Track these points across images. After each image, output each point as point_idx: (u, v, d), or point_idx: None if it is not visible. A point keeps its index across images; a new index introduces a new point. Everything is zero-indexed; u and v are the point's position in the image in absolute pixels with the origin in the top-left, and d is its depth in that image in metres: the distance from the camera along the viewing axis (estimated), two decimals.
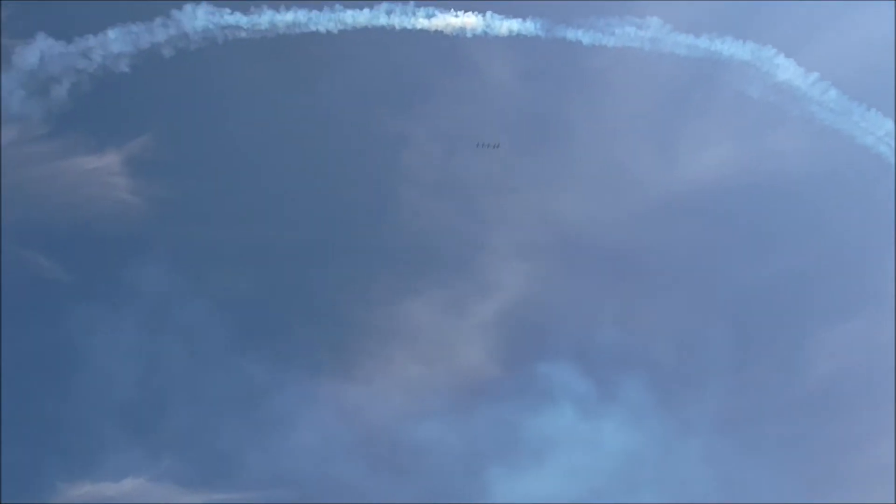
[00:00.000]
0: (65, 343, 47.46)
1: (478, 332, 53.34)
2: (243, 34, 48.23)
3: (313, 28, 48.97)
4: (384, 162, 54.23)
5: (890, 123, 53.21)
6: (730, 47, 52.89)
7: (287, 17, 48.49)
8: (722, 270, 55.77)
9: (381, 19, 49.49)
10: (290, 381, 49.06)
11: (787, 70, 53.12)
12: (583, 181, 56.34)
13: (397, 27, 49.80)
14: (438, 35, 50.55)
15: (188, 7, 47.32)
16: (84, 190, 49.53)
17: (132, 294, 48.86)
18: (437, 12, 50.30)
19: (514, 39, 51.46)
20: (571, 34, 51.55)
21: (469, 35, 50.81)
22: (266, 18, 48.29)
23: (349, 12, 49.15)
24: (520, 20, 51.16)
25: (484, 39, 51.31)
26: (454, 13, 50.56)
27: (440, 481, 49.95)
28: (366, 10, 49.29)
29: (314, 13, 48.87)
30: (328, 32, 49.19)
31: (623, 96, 55.88)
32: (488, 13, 50.77)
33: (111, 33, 46.84)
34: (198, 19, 47.42)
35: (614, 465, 51.57)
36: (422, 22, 50.09)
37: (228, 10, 47.89)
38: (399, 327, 52.68)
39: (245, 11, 48.19)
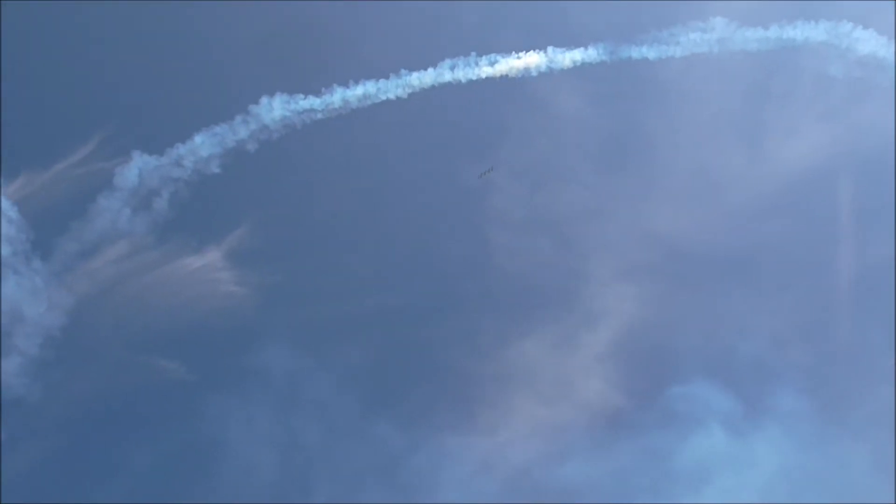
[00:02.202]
0: (202, 439, 50.69)
1: (596, 364, 54.07)
2: (319, 115, 51.55)
3: (383, 97, 51.86)
4: (472, 210, 56.37)
5: None
6: (802, 31, 52.76)
7: (357, 92, 51.56)
8: (838, 258, 55.05)
9: (447, 76, 51.97)
10: (422, 441, 50.76)
11: (867, 42, 52.56)
12: (675, 193, 57.00)
13: (463, 80, 52.20)
14: (504, 80, 52.69)
15: (264, 100, 51.03)
16: (193, 289, 52.96)
17: (258, 380, 51.80)
18: (499, 58, 52.42)
19: (580, 68, 53.04)
20: (636, 52, 52.67)
21: (534, 74, 52.70)
22: (338, 97, 51.48)
23: (415, 75, 51.84)
24: (582, 49, 52.60)
25: (549, 74, 53.08)
26: (516, 55, 52.54)
27: None
28: (430, 70, 51.89)
29: (382, 82, 51.80)
30: (398, 98, 52.05)
31: (700, 102, 56.59)
32: (549, 48, 52.51)
33: (198, 139, 50.85)
34: (275, 110, 51.03)
35: (778, 482, 50.02)
36: (486, 70, 52.29)
37: (302, 96, 51.32)
38: (515, 372, 53.98)
39: (317, 94, 51.55)
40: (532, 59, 52.50)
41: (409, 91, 51.90)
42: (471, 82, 52.34)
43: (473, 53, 52.12)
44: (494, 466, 50.93)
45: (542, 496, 50.02)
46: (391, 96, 51.86)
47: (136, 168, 49.95)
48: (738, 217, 55.75)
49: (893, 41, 51.43)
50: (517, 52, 52.47)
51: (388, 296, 54.15)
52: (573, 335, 54.46)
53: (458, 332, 53.96)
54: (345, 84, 51.53)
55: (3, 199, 48.08)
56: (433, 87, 52.10)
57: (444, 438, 51.08)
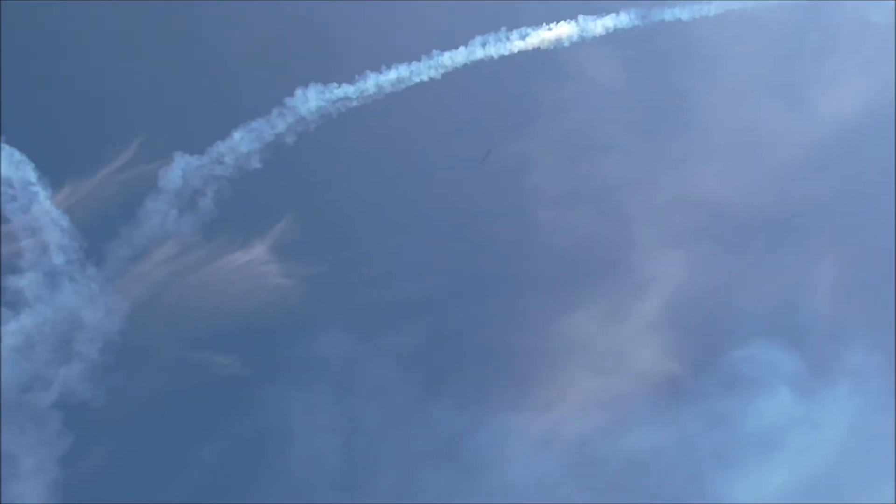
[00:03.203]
0: (264, 430, 51.95)
1: (649, 332, 54.32)
2: (354, 103, 52.22)
3: (417, 80, 52.32)
4: (513, 187, 56.70)
5: None
6: None
7: (390, 76, 52.08)
8: (892, 208, 54.60)
9: (479, 53, 52.25)
10: (481, 420, 51.50)
11: None
12: (717, 154, 56.94)
13: (495, 56, 52.46)
14: (537, 52, 52.84)
15: (299, 92, 51.76)
16: (240, 284, 53.92)
17: (314, 369, 52.75)
18: (529, 31, 52.55)
19: (613, 34, 52.96)
20: (668, 14, 52.45)
21: (566, 44, 52.76)
22: (371, 83, 52.04)
23: (447, 55, 52.18)
24: (613, 15, 52.50)
25: (582, 43, 53.10)
26: (546, 27, 52.61)
27: (668, 490, 50.33)
28: (462, 49, 52.22)
29: (414, 65, 52.23)
30: (431, 80, 52.48)
31: (737, 60, 56.29)
32: (580, 17, 52.48)
33: (236, 135, 51.80)
34: (310, 101, 51.75)
35: (851, 442, 49.49)
36: (518, 45, 52.48)
37: (336, 84, 51.98)
38: (567, 345, 54.34)
39: (350, 81, 52.17)
40: (563, 30, 52.51)
41: (442, 71, 52.28)
42: (503, 58, 52.58)
43: (504, 28, 52.32)
44: (557, 440, 51.67)
45: (607, 468, 50.66)
46: (424, 78, 52.29)
47: (178, 169, 51.08)
48: (784, 174, 55.61)
49: None
50: (547, 23, 52.51)
51: (436, 277, 54.94)
52: (624, 305, 54.87)
53: (508, 310, 54.66)
54: (377, 69, 52.06)
55: (53, 209, 49.66)
56: (465, 65, 52.47)
57: (503, 416, 51.84)
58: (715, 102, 56.58)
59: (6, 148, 48.51)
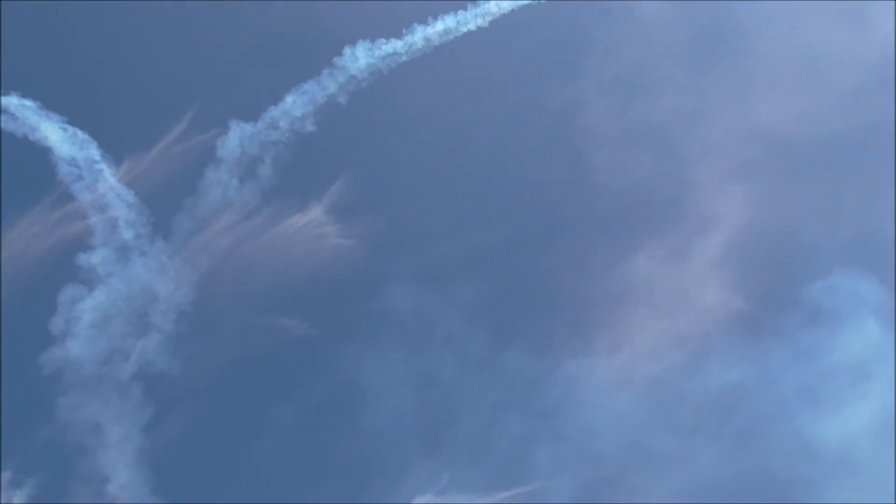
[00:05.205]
0: (338, 389, 53.39)
1: (713, 270, 54.11)
2: (404, 58, 52.43)
3: (464, 29, 52.29)
4: (567, 132, 56.50)
5: None
6: None
7: (438, 28, 52.11)
8: None
9: None
10: (552, 367, 52.29)
11: None
12: (776, 81, 55.94)
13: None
14: None
15: (347, 51, 52.13)
16: (300, 247, 54.82)
17: (381, 325, 53.84)
18: None
19: None
20: None
21: None
22: (419, 36, 52.12)
23: (493, 2, 52.02)
24: None
25: None
26: None
27: (754, 425, 50.51)
28: None
29: (461, 14, 52.18)
30: (479, 28, 52.38)
31: None
32: None
33: (289, 99, 52.50)
34: (359, 59, 52.09)
35: None
36: None
37: (384, 40, 52.21)
38: (629, 288, 54.51)
39: (398, 36, 52.34)
40: None
41: (490, 19, 52.14)
42: (550, 0, 52.28)
43: None
44: (636, 381, 51.99)
45: (689, 405, 50.85)
46: (472, 27, 52.23)
47: (235, 137, 52.07)
48: (848, 96, 54.43)
49: None
50: None
51: (496, 227, 55.29)
52: (684, 244, 54.66)
53: (572, 255, 54.90)
54: (424, 22, 52.11)
55: (119, 185, 51.15)
56: (513, 11, 52.22)
57: (578, 360, 52.48)
58: (770, 26, 55.63)
59: (70, 129, 50.09)
